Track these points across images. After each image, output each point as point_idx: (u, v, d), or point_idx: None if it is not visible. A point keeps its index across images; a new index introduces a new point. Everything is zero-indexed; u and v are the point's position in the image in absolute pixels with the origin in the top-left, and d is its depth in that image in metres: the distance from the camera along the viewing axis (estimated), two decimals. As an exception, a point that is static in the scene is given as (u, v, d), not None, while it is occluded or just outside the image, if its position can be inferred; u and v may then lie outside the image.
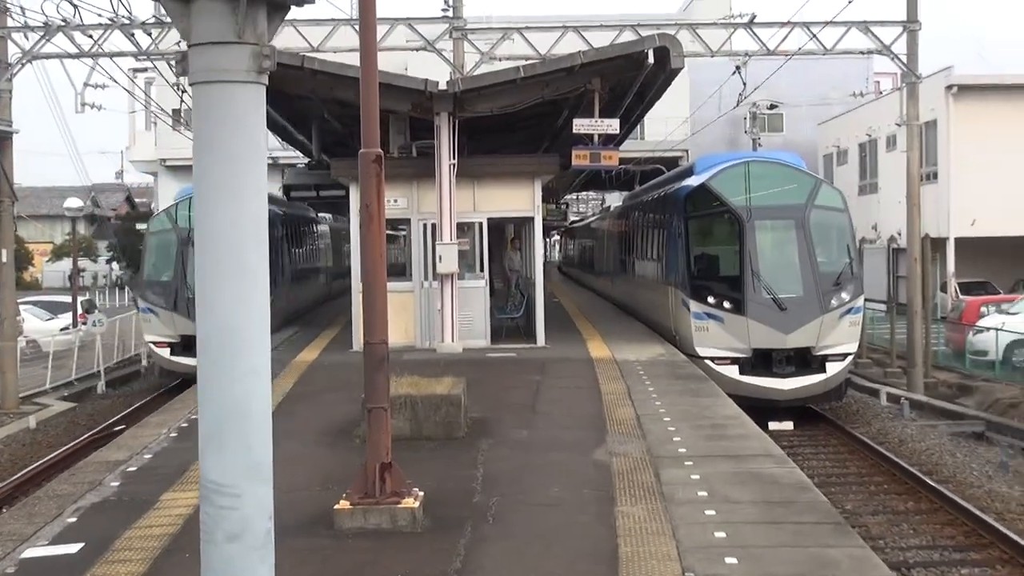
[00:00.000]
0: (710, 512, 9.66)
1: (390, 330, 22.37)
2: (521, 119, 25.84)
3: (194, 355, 4.48)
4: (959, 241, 39.02)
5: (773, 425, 21.36)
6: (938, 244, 35.02)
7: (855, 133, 48.91)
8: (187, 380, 21.52)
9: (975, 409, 24.48)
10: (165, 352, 25.27)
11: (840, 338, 21.23)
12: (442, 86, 20.79)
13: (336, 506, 9.49)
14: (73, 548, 9.10)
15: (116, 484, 11.33)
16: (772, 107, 53.82)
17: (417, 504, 9.42)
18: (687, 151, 51.13)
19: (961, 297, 35.90)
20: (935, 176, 39.33)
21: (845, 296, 21.29)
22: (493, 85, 21.14)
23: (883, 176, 45.66)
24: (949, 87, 38.81)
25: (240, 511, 4.31)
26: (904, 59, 26.32)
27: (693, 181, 23.50)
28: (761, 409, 20.70)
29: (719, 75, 48.78)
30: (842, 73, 55.48)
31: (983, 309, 31.60)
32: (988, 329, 28.67)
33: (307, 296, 34.04)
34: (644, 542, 8.88)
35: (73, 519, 10.06)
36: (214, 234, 4.28)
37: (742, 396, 19.79)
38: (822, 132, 53.69)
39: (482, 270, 22.57)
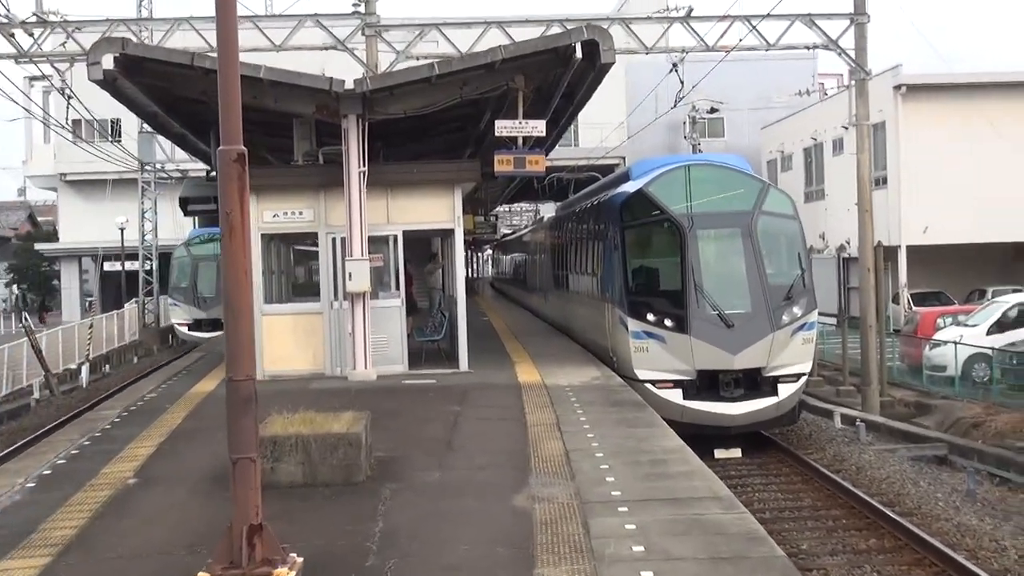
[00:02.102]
0: (647, 574, 8.42)
1: (297, 355, 21.51)
2: (440, 123, 24.65)
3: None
4: (911, 249, 38.38)
5: (719, 453, 20.28)
6: (889, 253, 34.23)
7: (800, 137, 48.25)
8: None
9: (935, 429, 23.56)
10: (184, 328, 43.74)
11: (793, 357, 20.14)
12: (349, 85, 19.49)
13: (196, 578, 8.14)
14: None
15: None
16: (712, 111, 53.26)
17: (293, 574, 8.09)
18: (623, 158, 50.34)
19: (915, 309, 35.13)
20: (885, 181, 38.65)
21: (797, 311, 20.16)
22: (405, 84, 19.87)
23: (830, 182, 45.01)
24: (898, 87, 38.26)
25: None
26: (852, 54, 25.39)
27: (629, 187, 22.38)
28: (707, 435, 19.67)
29: (657, 78, 48.06)
30: (785, 75, 55.03)
31: (939, 321, 30.83)
32: (946, 343, 27.85)
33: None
34: (567, 615, 7.63)
35: None
36: None
37: (687, 423, 18.92)
38: (765, 136, 53.02)
39: (398, 288, 21.26)
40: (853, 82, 25.99)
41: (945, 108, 38.56)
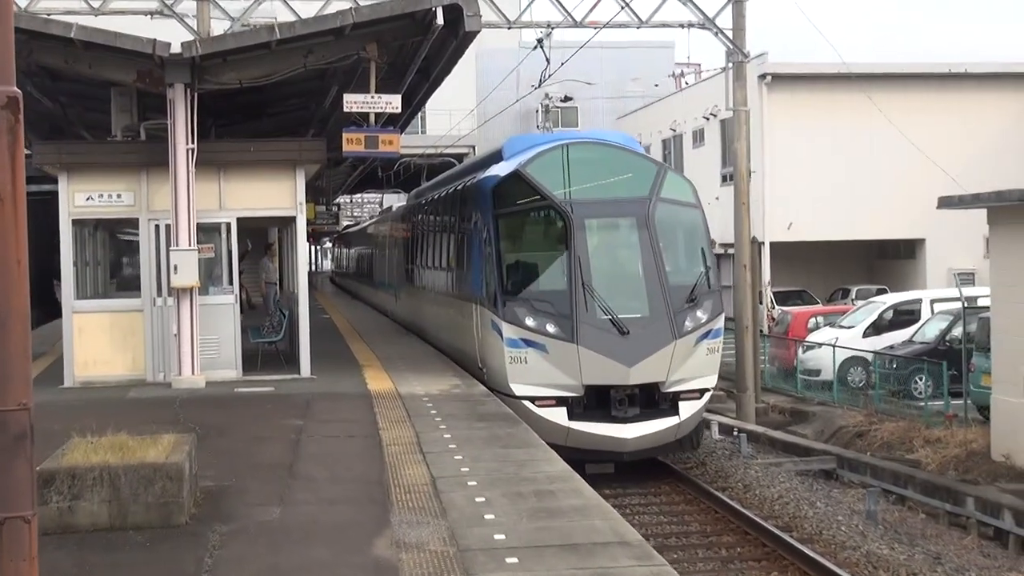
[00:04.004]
0: (558, 660, 6.61)
1: (113, 359, 19.13)
2: (282, 98, 22.62)
3: None
4: (774, 246, 37.51)
5: (591, 468, 18.46)
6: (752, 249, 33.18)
7: (658, 128, 47.20)
8: None
9: (815, 438, 22.40)
10: None
11: (696, 370, 17.50)
12: (176, 49, 17.26)
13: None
14: None
15: None
16: (566, 99, 51.92)
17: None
18: (474, 147, 48.68)
19: (781, 308, 34.14)
20: (750, 175, 37.53)
21: (701, 315, 17.52)
22: (242, 49, 17.73)
23: (690, 174, 43.72)
24: (763, 76, 37.26)
25: None
26: (730, 34, 24.03)
27: (502, 168, 19.42)
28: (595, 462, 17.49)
29: (509, 64, 46.57)
30: (642, 65, 54.06)
31: (812, 322, 29.80)
32: (821, 345, 26.76)
33: None
34: None
35: None
36: None
37: (573, 448, 16.53)
38: (621, 127, 51.70)
39: (231, 283, 19.07)
40: (730, 65, 24.63)
41: (811, 100, 37.81)
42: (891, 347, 25.96)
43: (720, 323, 18.01)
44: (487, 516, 9.73)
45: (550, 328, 17.08)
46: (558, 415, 17.09)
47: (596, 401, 17.19)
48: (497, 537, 9.05)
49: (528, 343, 17.23)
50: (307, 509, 10.21)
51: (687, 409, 17.45)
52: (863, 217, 37.24)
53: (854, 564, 13.73)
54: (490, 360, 18.22)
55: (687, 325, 17.23)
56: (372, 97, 18.56)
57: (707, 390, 17.94)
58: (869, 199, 37.13)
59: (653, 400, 17.32)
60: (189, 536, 9.31)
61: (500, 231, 18.28)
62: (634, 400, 17.14)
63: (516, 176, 18.36)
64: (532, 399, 17.18)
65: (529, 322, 17.22)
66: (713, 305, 17.74)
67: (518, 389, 17.28)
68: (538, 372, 17.19)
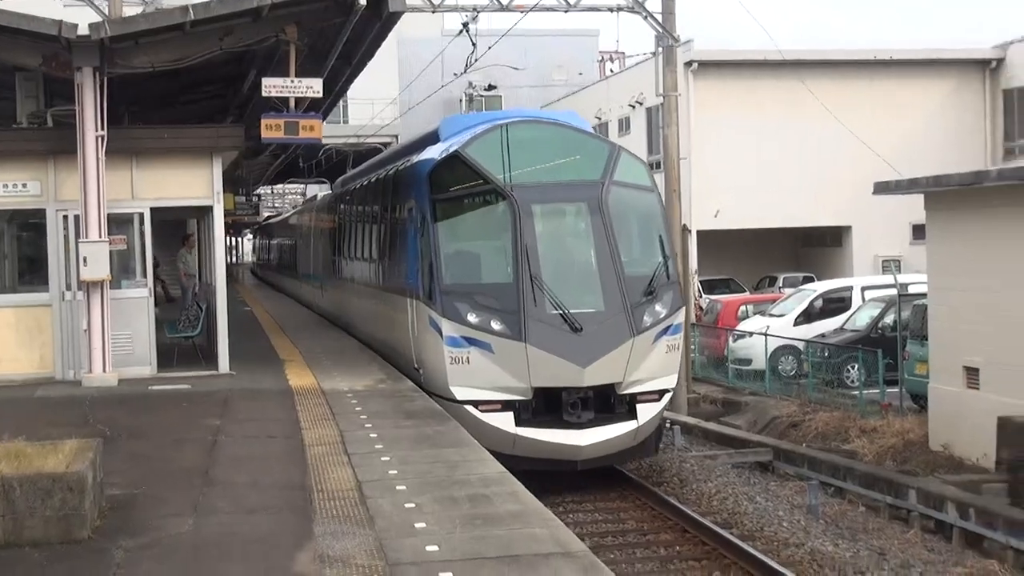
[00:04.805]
0: None
1: (19, 356, 17.99)
2: (198, 84, 21.71)
3: None
4: (700, 235, 37.09)
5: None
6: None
7: (583, 116, 46.53)
8: None
9: (748, 429, 21.93)
10: None
11: (655, 369, 15.92)
12: (84, 31, 16.30)
13: None
14: None
15: None
16: (490, 88, 51.38)
17: None
18: (396, 136, 47.86)
19: (709, 297, 33.71)
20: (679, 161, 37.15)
21: (661, 309, 15.88)
22: (154, 31, 16.79)
23: (616, 163, 43.41)
24: (689, 63, 36.73)
25: None
26: (660, 19, 23.43)
27: (439, 151, 17.62)
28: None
29: (431, 51, 45.81)
30: (565, 54, 53.60)
31: (742, 310, 29.38)
32: (752, 334, 26.31)
33: None
34: None
35: None
36: None
37: (521, 456, 15.10)
38: (546, 115, 51.20)
39: (145, 276, 18.13)
40: (660, 50, 24.03)
41: (738, 87, 37.47)
42: (822, 335, 25.57)
43: (680, 317, 16.58)
44: (418, 525, 9.00)
45: (495, 325, 15.41)
46: (504, 421, 15.44)
47: (546, 405, 15.58)
48: (430, 549, 8.33)
49: (470, 342, 15.56)
50: (224, 519, 9.42)
51: (646, 412, 15.88)
52: (790, 205, 36.98)
53: (798, 563, 13.18)
54: (428, 360, 16.61)
55: (646, 320, 15.67)
56: (292, 81, 17.75)
57: (667, 391, 16.40)
58: (796, 187, 36.89)
59: (609, 403, 15.73)
60: (92, 553, 8.48)
61: (438, 219, 16.53)
62: (588, 403, 15.47)
63: (455, 158, 16.70)
64: (475, 403, 15.55)
65: (471, 318, 15.56)
66: (673, 298, 16.25)
67: (459, 392, 15.63)
68: (482, 374, 15.52)
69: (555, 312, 15.30)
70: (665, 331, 15.97)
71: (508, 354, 15.30)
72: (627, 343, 15.33)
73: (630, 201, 16.66)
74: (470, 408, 15.46)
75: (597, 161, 16.69)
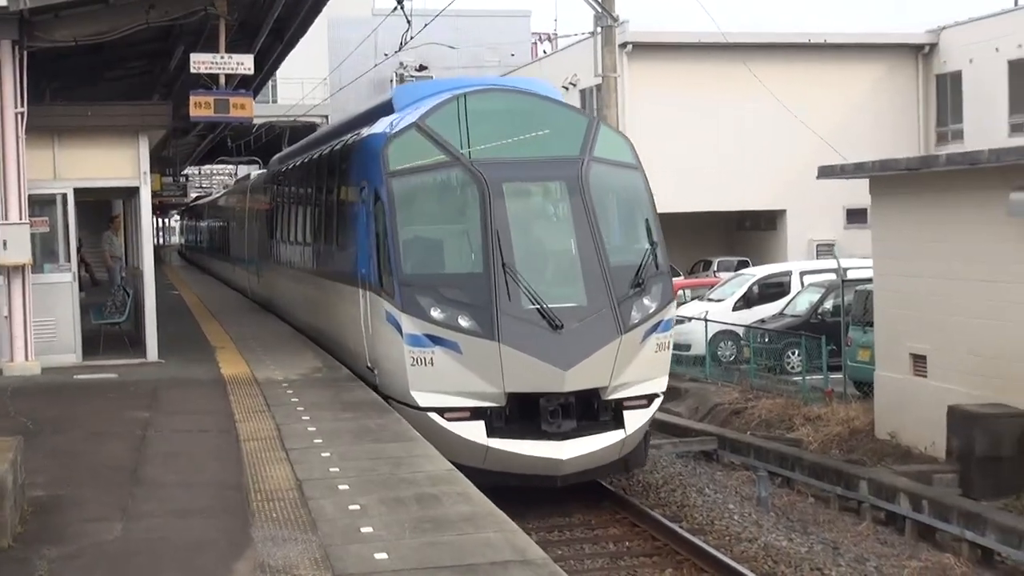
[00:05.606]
0: None
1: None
2: (123, 60, 20.94)
3: None
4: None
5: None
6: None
7: (517, 98, 45.98)
8: None
9: (690, 417, 21.50)
10: None
11: (643, 371, 14.07)
12: (1, 1, 15.44)
13: None
14: None
15: None
16: (421, 68, 50.65)
17: None
18: (327, 116, 47.11)
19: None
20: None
21: (650, 304, 14.06)
22: (76, 3, 15.96)
23: (550, 145, 42.91)
24: (623, 45, 36.25)
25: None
26: (599, -3, 22.88)
27: (395, 123, 15.53)
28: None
29: (362, 32, 45.11)
30: (498, 35, 52.99)
31: (680, 295, 28.96)
32: (690, 319, 25.91)
33: None
34: None
35: None
36: None
37: (493, 471, 13.39)
38: (479, 97, 50.63)
39: (69, 260, 17.31)
40: (599, 30, 23.47)
41: (673, 69, 37.08)
42: (762, 321, 25.24)
43: (671, 312, 14.70)
44: (364, 529, 8.40)
45: (463, 322, 13.53)
46: (474, 431, 13.57)
47: (521, 413, 13.69)
48: (379, 557, 7.73)
49: (435, 340, 13.64)
50: (154, 524, 8.75)
51: (634, 420, 14.02)
52: (726, 189, 36.69)
53: (752, 558, 12.73)
54: (384, 361, 14.68)
55: (634, 316, 13.81)
56: (222, 57, 17.09)
57: (656, 396, 14.50)
58: (732, 171, 36.61)
59: (592, 410, 13.89)
60: (13, 563, 7.79)
61: (396, 200, 14.37)
62: (569, 411, 13.59)
63: (415, 131, 14.69)
64: (440, 411, 13.66)
65: (436, 314, 13.64)
66: (663, 290, 14.37)
67: (422, 398, 13.74)
68: (448, 377, 13.64)
69: (532, 307, 13.45)
70: (655, 328, 14.17)
71: (478, 355, 13.45)
72: (613, 342, 13.52)
73: (613, 180, 14.91)
74: (434, 416, 13.65)
75: (574, 135, 14.90)
